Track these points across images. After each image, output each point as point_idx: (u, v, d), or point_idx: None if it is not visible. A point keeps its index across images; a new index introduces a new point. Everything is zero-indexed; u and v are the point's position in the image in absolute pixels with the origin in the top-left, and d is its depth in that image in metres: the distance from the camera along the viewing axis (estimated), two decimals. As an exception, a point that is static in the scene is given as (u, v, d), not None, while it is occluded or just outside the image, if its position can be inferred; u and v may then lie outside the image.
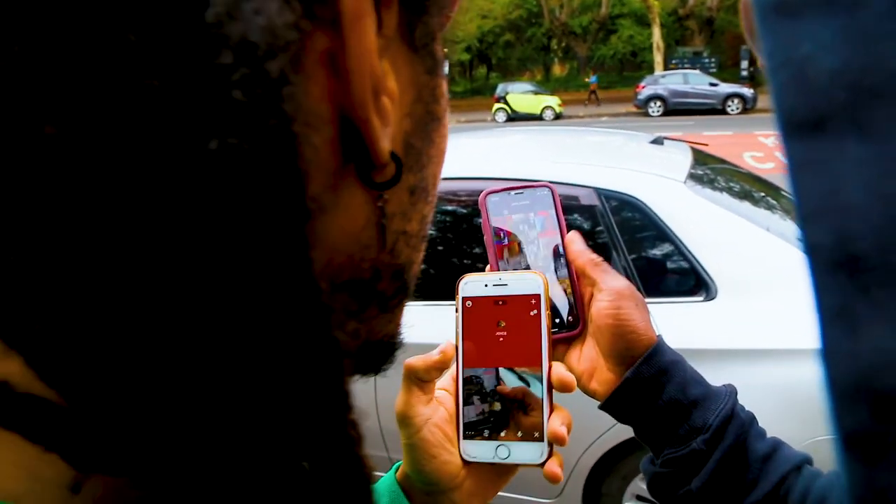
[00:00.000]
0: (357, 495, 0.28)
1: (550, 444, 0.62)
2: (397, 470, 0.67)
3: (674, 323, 2.10)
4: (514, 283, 0.65)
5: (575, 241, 0.75)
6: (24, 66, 0.21)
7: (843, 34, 0.16)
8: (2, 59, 0.21)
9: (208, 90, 0.22)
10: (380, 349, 0.39)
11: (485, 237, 0.76)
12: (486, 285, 0.66)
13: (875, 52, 0.16)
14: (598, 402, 0.73)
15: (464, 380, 0.65)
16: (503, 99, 24.47)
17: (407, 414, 0.62)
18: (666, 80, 22.25)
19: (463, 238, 2.66)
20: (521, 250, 0.75)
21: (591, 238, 2.42)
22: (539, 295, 0.64)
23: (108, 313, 0.23)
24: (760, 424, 0.71)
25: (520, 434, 0.63)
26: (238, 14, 0.22)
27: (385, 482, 0.66)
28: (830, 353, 0.15)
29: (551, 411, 0.63)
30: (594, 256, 0.74)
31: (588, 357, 0.73)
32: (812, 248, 0.15)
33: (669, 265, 2.33)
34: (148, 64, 0.21)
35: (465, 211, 2.66)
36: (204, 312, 0.23)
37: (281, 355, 0.24)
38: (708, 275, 2.22)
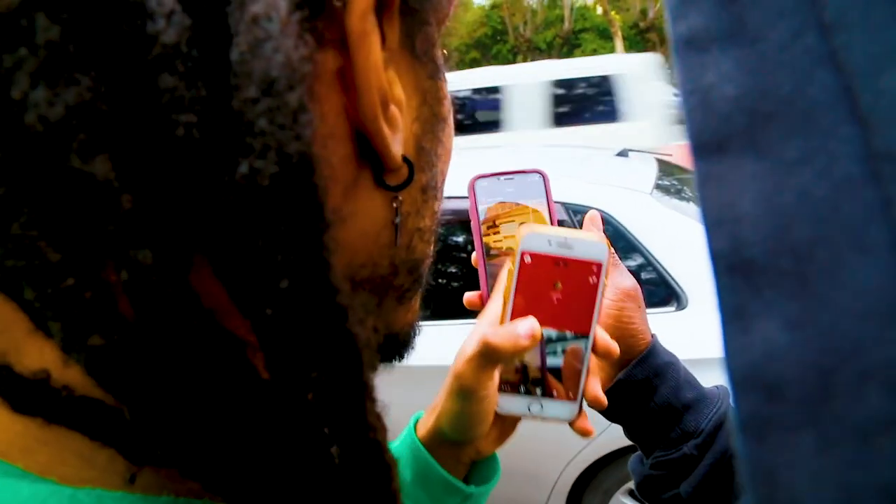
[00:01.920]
0: (378, 478, 0.30)
1: (581, 405, 0.62)
2: (415, 425, 0.66)
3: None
4: (579, 246, 0.60)
5: (594, 220, 0.71)
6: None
7: (742, 65, 0.18)
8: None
9: (237, 121, 0.25)
10: (399, 338, 0.42)
11: (472, 223, 0.72)
12: (549, 242, 0.60)
13: (770, 80, 0.18)
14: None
15: None
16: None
17: (474, 388, 0.58)
18: (631, 94, 22.39)
19: (437, 257, 2.66)
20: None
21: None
22: (601, 263, 0.60)
23: (160, 328, 0.25)
24: None
25: (554, 393, 0.62)
26: (259, 52, 0.25)
27: (404, 440, 0.66)
28: (729, 348, 0.17)
29: (588, 375, 0.61)
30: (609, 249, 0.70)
31: None
32: (714, 255, 0.18)
33: (640, 277, 2.36)
34: (185, 101, 0.24)
35: (440, 231, 2.66)
36: (239, 311, 0.26)
37: (303, 353, 0.27)
38: (678, 285, 2.25)
